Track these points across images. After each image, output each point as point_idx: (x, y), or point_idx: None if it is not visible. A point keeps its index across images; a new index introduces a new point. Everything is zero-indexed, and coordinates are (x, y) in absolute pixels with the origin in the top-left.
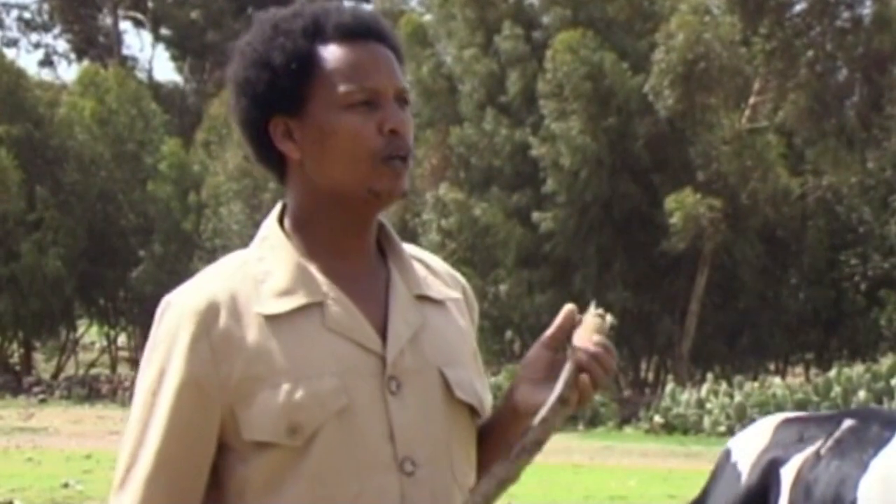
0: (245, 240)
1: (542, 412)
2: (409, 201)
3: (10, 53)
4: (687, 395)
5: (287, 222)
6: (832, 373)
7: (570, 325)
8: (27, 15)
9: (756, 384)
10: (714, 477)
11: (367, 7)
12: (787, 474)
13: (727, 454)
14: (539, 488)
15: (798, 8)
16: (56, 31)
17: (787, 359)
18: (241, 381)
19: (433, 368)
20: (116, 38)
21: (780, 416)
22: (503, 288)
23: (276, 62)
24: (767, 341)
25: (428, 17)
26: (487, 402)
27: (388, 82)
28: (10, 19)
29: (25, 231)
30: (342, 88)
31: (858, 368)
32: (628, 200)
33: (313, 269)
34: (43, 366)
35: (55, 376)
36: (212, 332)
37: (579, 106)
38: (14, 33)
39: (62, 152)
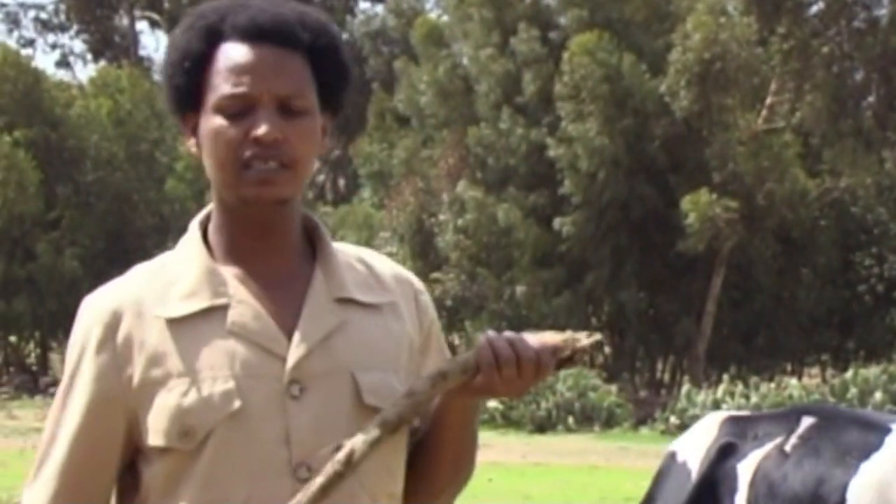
0: None
1: (417, 383)
2: (425, 201)
3: (26, 54)
4: (703, 396)
5: (209, 224)
6: (848, 374)
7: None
8: (44, 16)
9: (772, 385)
10: (660, 480)
11: (289, 5)
12: (745, 470)
13: (672, 456)
14: (555, 489)
15: (815, 8)
16: (73, 31)
17: (803, 360)
18: (142, 385)
19: (345, 372)
20: (133, 38)
21: (723, 414)
22: (519, 288)
23: (177, 60)
24: (783, 342)
25: (444, 18)
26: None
27: (265, 88)
28: (28, 20)
29: (42, 231)
30: (219, 92)
31: (875, 370)
32: (645, 201)
33: (225, 272)
34: (59, 366)
35: None
36: (116, 336)
37: (596, 108)
38: (31, 34)
39: (79, 153)
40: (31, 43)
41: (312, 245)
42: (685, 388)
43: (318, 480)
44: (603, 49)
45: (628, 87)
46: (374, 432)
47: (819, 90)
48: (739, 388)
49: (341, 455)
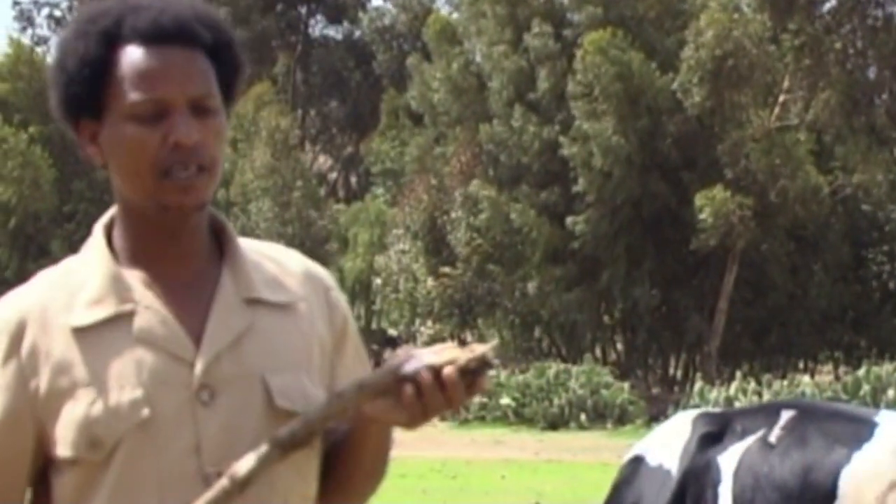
0: (273, 237)
1: (338, 390)
2: (437, 199)
3: (40, 51)
4: (715, 393)
5: (114, 228)
6: (861, 371)
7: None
8: (58, 13)
9: (785, 382)
10: (629, 485)
11: (182, 2)
12: (727, 462)
13: (640, 460)
14: (568, 487)
15: (828, 5)
16: None
17: (816, 357)
18: (48, 396)
19: (255, 376)
20: None
21: (692, 413)
22: (531, 285)
23: (72, 67)
24: (796, 339)
25: (456, 16)
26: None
27: (178, 91)
28: (41, 17)
29: (56, 228)
30: (128, 98)
31: (888, 367)
32: (658, 199)
33: (129, 277)
34: None
35: None
36: (21, 347)
37: (610, 106)
38: (44, 31)
39: None
40: (44, 41)
41: (220, 245)
42: (698, 385)
43: (207, 495)
44: (616, 47)
45: (641, 84)
46: (265, 450)
47: (832, 87)
48: (752, 385)
49: (231, 471)
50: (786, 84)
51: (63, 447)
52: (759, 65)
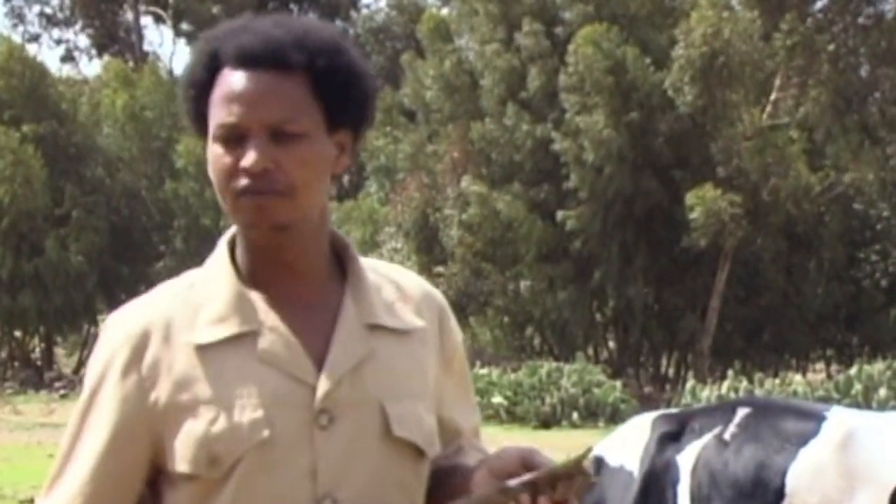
0: None
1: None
2: (430, 196)
3: (31, 49)
4: (707, 392)
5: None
6: (853, 370)
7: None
8: (48, 10)
9: (777, 381)
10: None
11: (291, 25)
12: (685, 461)
13: (601, 462)
14: None
15: (819, 4)
16: (77, 26)
17: (808, 355)
18: (168, 409)
19: (373, 402)
20: (137, 33)
21: (650, 415)
22: (524, 284)
23: (185, 87)
24: (788, 338)
25: (449, 12)
26: (467, 429)
27: (255, 117)
28: (32, 14)
29: (49, 227)
30: (215, 120)
31: (879, 366)
32: (650, 196)
33: (254, 297)
34: (64, 361)
35: (76, 371)
36: (143, 359)
37: (601, 101)
38: (36, 28)
39: (86, 149)
40: (36, 38)
41: (342, 265)
42: (690, 383)
43: None
44: (609, 41)
45: (633, 80)
46: None
47: (824, 86)
48: (744, 383)
49: None
50: (777, 82)
51: (181, 462)
52: (750, 63)
